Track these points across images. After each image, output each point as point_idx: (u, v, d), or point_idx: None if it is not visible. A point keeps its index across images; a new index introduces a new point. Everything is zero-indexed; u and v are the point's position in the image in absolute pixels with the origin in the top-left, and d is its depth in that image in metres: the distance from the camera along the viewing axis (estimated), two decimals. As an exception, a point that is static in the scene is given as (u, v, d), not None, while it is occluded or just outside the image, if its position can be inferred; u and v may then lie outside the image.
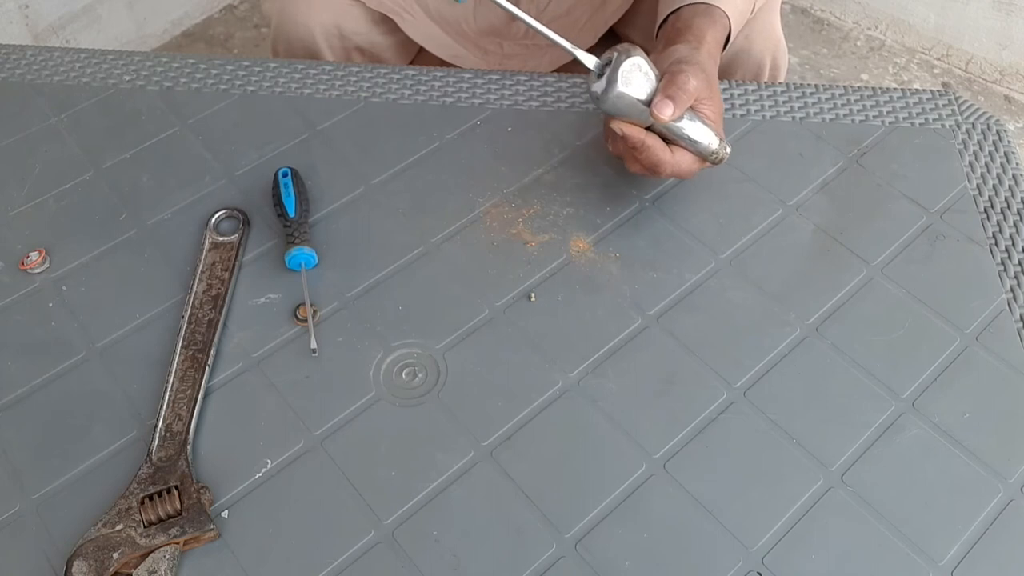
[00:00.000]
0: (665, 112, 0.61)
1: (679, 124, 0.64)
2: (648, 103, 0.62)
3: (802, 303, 0.65)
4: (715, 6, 0.70)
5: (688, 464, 0.57)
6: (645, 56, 0.62)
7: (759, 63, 0.88)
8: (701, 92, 0.63)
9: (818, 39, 1.90)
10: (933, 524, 0.54)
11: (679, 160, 0.65)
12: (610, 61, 0.62)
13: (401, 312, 0.65)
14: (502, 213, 0.71)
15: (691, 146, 0.65)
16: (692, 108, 0.64)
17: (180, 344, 0.62)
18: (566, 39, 0.63)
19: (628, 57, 0.61)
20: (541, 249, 0.68)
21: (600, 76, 0.62)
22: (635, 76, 0.61)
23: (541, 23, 0.98)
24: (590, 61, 0.63)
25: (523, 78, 0.82)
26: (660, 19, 0.73)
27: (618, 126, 0.63)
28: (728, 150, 0.67)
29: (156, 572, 0.51)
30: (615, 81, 0.61)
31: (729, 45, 0.74)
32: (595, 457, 0.57)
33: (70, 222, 0.71)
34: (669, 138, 0.65)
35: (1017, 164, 0.74)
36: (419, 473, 0.57)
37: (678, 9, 0.71)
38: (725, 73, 0.87)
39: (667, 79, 0.62)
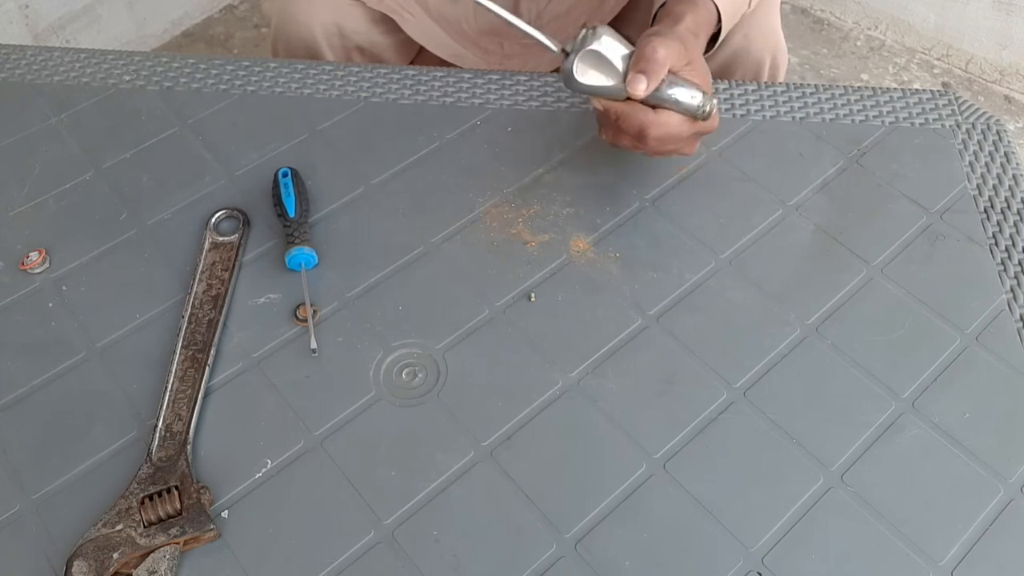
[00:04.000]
0: (639, 87, 0.60)
1: (658, 91, 0.63)
2: (621, 77, 0.61)
3: (802, 303, 0.65)
4: None
5: (688, 464, 0.57)
6: (613, 32, 0.61)
7: (758, 63, 0.88)
8: (678, 60, 0.62)
9: (818, 39, 1.90)
10: (933, 524, 0.54)
11: (666, 121, 0.63)
12: (576, 36, 0.62)
13: (401, 312, 0.65)
14: (502, 213, 0.71)
15: (674, 105, 0.63)
16: (673, 74, 0.63)
17: (180, 344, 0.62)
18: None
19: (594, 37, 0.61)
20: (541, 249, 0.68)
21: (569, 56, 0.62)
22: (600, 55, 0.61)
23: (542, 23, 0.98)
24: (554, 46, 0.62)
25: (523, 78, 0.82)
26: (652, 14, 0.73)
27: (597, 102, 0.64)
28: (714, 102, 0.65)
29: (156, 572, 0.51)
30: (576, 63, 0.61)
31: (728, 44, 0.74)
32: (595, 457, 0.57)
33: (70, 222, 0.71)
34: (654, 104, 0.63)
35: (1017, 164, 0.74)
36: (419, 473, 0.57)
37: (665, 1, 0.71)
38: (725, 73, 0.87)
39: (636, 54, 0.61)
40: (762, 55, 0.87)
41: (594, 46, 0.61)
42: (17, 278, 0.67)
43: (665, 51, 0.61)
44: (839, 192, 0.72)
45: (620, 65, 0.62)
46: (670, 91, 0.63)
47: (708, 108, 0.64)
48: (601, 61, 0.61)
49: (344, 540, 0.54)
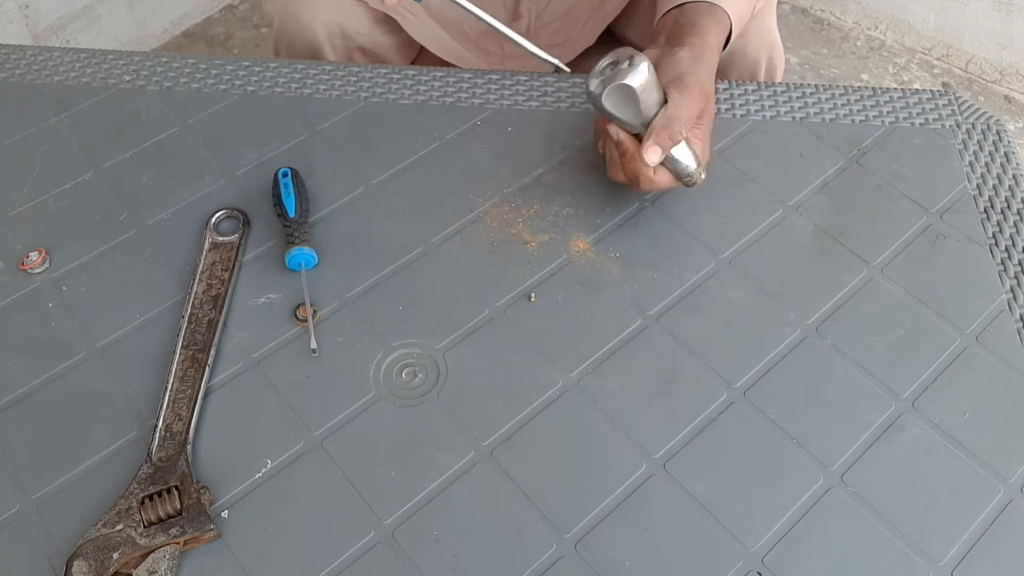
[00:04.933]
0: (652, 159, 0.63)
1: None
2: (643, 112, 0.62)
3: (802, 303, 0.65)
4: (718, 6, 0.70)
5: (688, 464, 0.57)
6: (650, 64, 0.62)
7: (754, 63, 0.88)
8: (693, 118, 0.64)
9: (818, 39, 1.90)
10: (933, 524, 0.54)
11: (658, 180, 0.66)
12: (615, 62, 0.62)
13: (401, 312, 0.65)
14: (502, 213, 0.71)
15: (669, 163, 0.65)
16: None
17: (180, 344, 0.62)
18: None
19: (633, 65, 0.61)
20: (541, 249, 0.68)
21: (601, 78, 0.62)
22: (632, 91, 0.61)
23: (541, 23, 0.97)
24: (551, 58, 0.63)
25: (523, 78, 0.82)
26: (662, 12, 0.73)
27: (614, 131, 0.64)
28: (703, 176, 0.67)
29: (156, 572, 0.51)
30: (607, 91, 0.61)
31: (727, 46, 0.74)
32: (595, 457, 0.57)
33: (70, 222, 0.71)
34: None
35: (1017, 164, 0.74)
36: (419, 473, 0.57)
37: (681, 5, 0.71)
38: (720, 73, 0.87)
39: (662, 123, 0.63)
40: (758, 55, 0.87)
41: (629, 80, 0.61)
42: (17, 278, 0.67)
43: (686, 131, 0.63)
44: (839, 192, 0.72)
45: (644, 108, 0.62)
46: (674, 151, 0.65)
47: (696, 179, 0.67)
48: (631, 96, 0.62)
49: (344, 540, 0.54)
